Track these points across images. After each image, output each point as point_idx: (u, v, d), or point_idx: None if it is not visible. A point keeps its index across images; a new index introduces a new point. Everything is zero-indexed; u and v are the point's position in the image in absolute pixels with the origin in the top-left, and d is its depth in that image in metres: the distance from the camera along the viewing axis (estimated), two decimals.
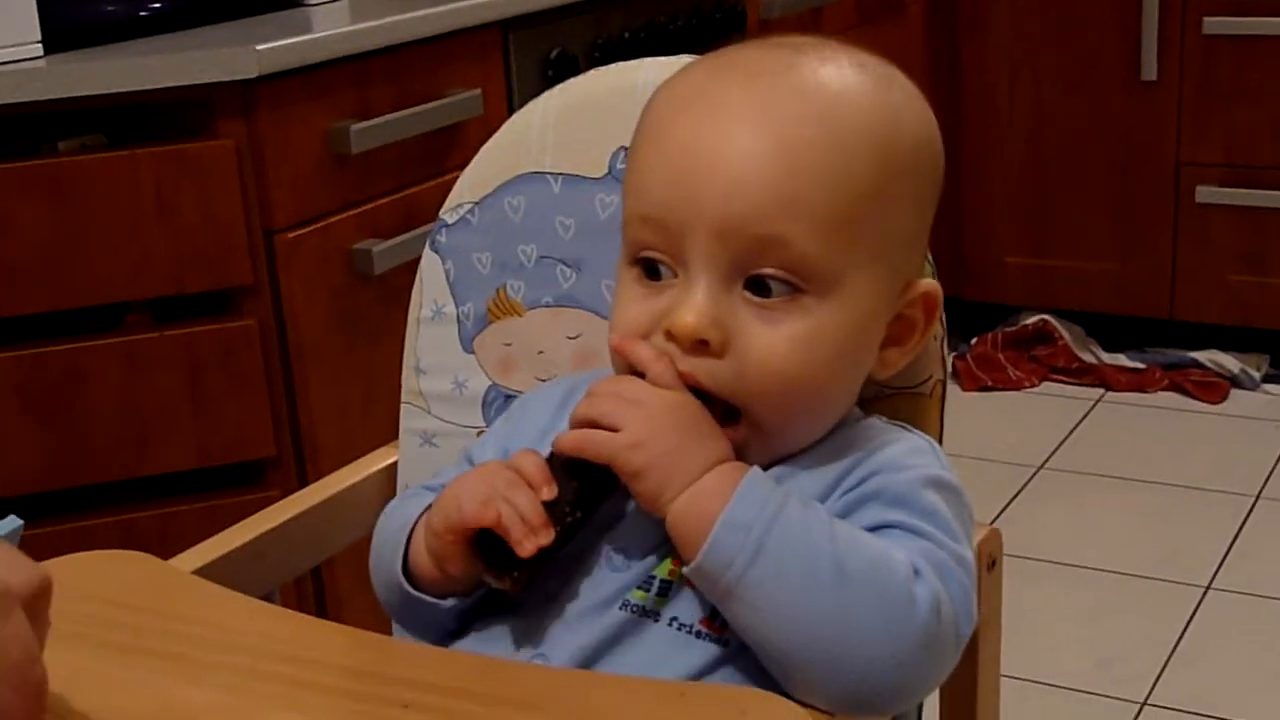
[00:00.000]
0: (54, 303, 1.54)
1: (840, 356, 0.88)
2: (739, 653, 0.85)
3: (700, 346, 0.86)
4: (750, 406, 0.87)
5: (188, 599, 0.91)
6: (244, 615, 0.89)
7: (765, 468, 0.88)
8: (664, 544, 0.88)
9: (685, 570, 0.84)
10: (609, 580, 0.89)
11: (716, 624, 0.86)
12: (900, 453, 0.90)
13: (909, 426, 0.95)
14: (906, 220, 0.90)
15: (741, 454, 0.88)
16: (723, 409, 0.88)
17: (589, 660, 0.87)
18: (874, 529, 0.85)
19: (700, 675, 0.86)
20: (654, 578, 0.88)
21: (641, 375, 0.87)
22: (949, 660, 0.84)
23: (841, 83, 0.88)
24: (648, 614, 0.87)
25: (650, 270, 0.89)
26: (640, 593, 0.88)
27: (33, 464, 1.55)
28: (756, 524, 0.81)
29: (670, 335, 0.86)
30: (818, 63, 0.89)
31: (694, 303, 0.85)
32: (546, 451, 0.90)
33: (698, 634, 0.86)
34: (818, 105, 0.87)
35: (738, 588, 0.81)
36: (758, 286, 0.86)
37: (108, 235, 1.53)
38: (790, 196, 0.84)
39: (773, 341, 0.85)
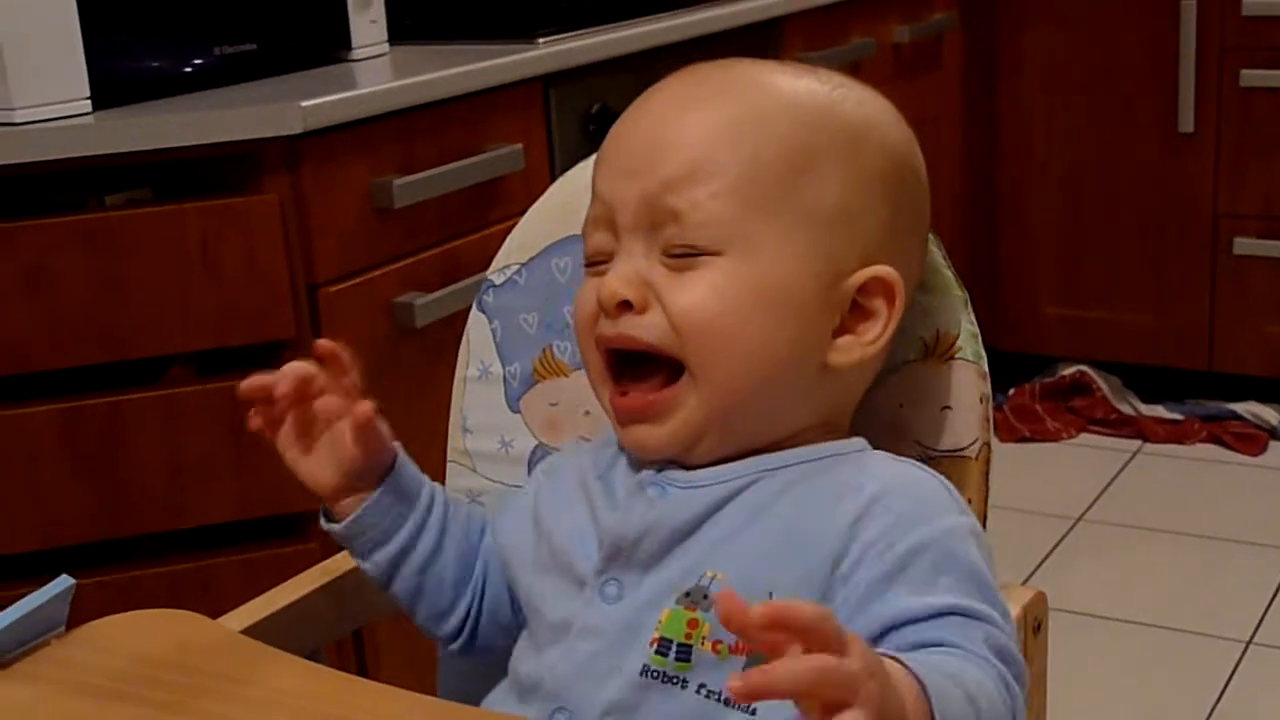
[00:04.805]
0: (98, 355, 1.55)
1: (755, 309, 0.90)
2: None
3: (625, 308, 0.91)
4: (688, 356, 0.90)
5: (234, 658, 0.92)
6: (289, 675, 0.89)
7: (736, 456, 0.92)
8: (650, 571, 0.89)
9: None
10: (604, 615, 0.90)
11: None
12: (924, 496, 0.89)
13: (910, 460, 0.94)
14: (832, 198, 0.91)
15: (694, 426, 0.91)
16: (666, 373, 0.91)
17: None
18: (935, 615, 0.83)
19: None
20: (669, 642, 0.87)
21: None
22: None
23: (777, 75, 0.96)
24: (671, 680, 0.87)
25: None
26: (659, 658, 0.87)
27: (76, 515, 1.56)
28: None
29: (602, 308, 0.92)
30: (762, 65, 0.96)
31: (616, 271, 0.92)
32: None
33: (727, 701, 0.86)
34: (743, 87, 0.94)
35: None
36: (674, 253, 0.91)
37: (153, 289, 1.55)
38: (698, 162, 0.90)
39: (687, 292, 0.90)
